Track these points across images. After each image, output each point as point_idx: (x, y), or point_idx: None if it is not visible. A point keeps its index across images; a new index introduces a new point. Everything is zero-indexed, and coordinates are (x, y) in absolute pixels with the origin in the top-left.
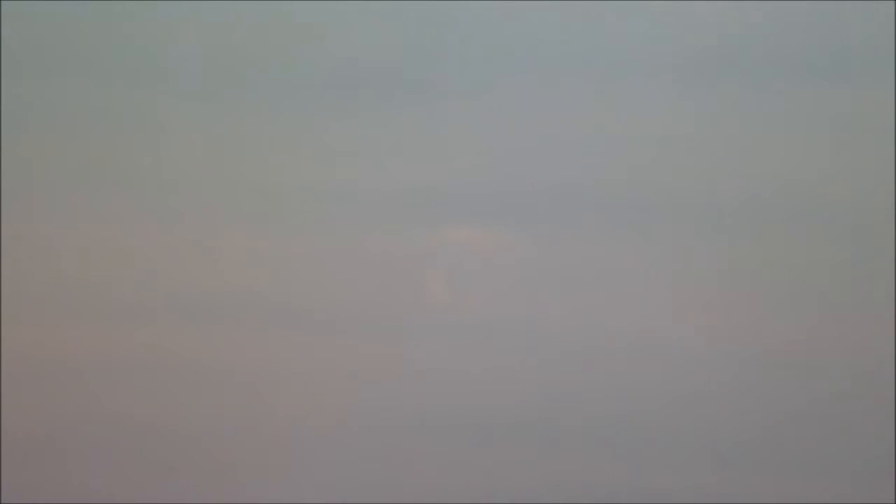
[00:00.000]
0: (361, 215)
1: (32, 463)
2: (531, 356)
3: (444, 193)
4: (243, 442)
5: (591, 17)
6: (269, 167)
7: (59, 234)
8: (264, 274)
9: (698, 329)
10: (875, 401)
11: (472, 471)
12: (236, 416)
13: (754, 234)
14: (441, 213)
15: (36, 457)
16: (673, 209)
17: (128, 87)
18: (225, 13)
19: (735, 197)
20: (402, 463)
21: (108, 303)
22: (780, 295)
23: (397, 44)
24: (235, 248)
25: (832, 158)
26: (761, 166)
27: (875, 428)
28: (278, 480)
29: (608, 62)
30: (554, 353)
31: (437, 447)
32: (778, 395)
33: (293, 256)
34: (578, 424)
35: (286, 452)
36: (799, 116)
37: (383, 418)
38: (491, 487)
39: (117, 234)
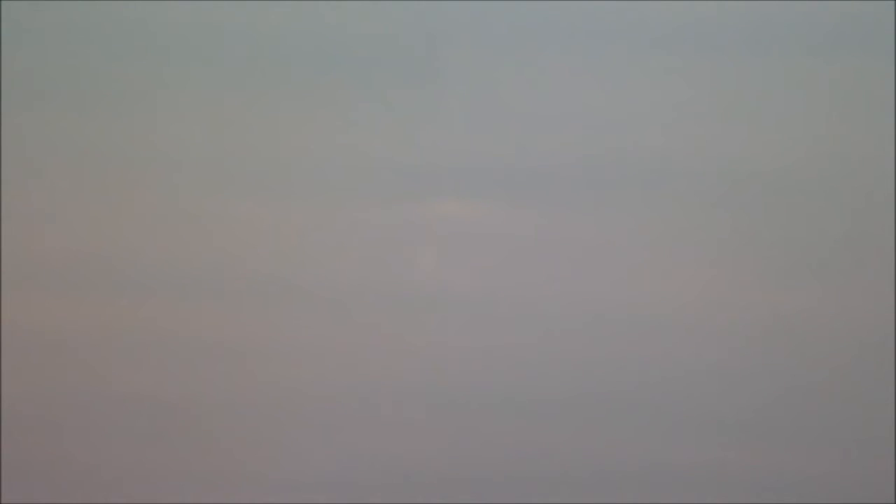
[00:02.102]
0: (354, 189)
1: (30, 439)
2: (524, 332)
3: (437, 168)
4: (237, 415)
5: None
6: (264, 143)
7: (55, 208)
8: (258, 248)
9: (695, 304)
10: (876, 373)
11: (466, 446)
12: (230, 390)
13: (753, 208)
14: (433, 188)
15: (34, 433)
16: (670, 184)
17: (124, 60)
18: None
19: (732, 171)
20: (392, 437)
21: (106, 278)
22: (780, 268)
23: (392, 20)
24: (228, 223)
25: (833, 131)
26: (761, 140)
27: (877, 399)
28: (272, 454)
29: (603, 37)
30: (548, 328)
31: (426, 423)
32: (779, 367)
33: (286, 231)
34: (574, 400)
35: (278, 426)
36: (799, 89)
37: (374, 392)
38: (484, 463)
39: (116, 208)
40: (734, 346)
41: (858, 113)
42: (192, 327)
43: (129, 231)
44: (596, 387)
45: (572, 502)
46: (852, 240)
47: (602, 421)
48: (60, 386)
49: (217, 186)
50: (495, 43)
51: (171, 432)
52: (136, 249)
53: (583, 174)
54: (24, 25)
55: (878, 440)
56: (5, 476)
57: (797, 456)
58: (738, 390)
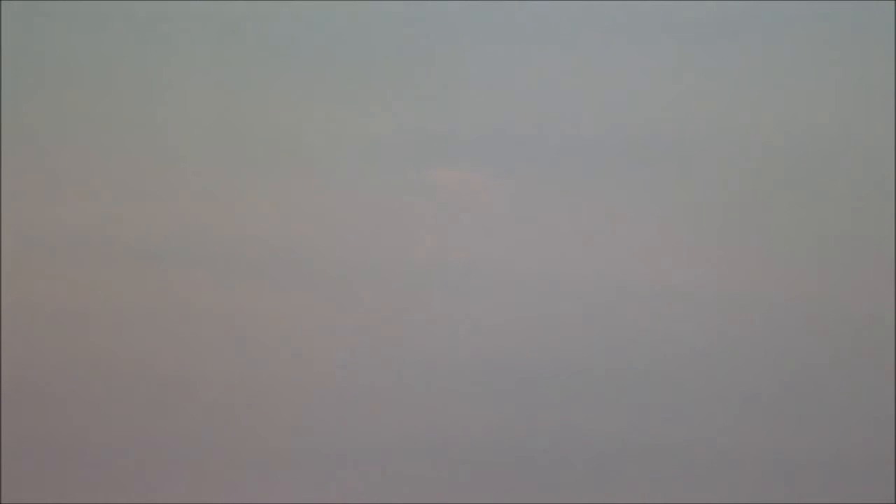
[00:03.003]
0: (356, 158)
1: (33, 409)
2: (524, 300)
3: (438, 137)
4: (241, 384)
5: None
6: (266, 114)
7: (65, 180)
8: (258, 218)
9: (696, 277)
10: (877, 348)
11: (468, 414)
12: (235, 359)
13: (754, 183)
14: (434, 156)
15: (38, 402)
16: (674, 157)
17: (135, 35)
18: None
19: (736, 147)
20: (393, 404)
21: (115, 248)
22: (782, 245)
23: (393, 5)
24: (232, 199)
25: (836, 109)
26: (764, 117)
27: (877, 377)
28: (274, 422)
29: (609, 11)
30: (547, 297)
31: (423, 390)
32: (781, 344)
33: (288, 200)
34: (572, 370)
35: (281, 395)
36: (803, 67)
37: (376, 358)
38: (485, 431)
39: (125, 178)
40: (734, 339)
41: (860, 106)
42: (197, 301)
43: (140, 208)
44: (600, 357)
45: (572, 475)
46: (856, 228)
47: (603, 399)
48: (64, 354)
49: (220, 159)
50: (501, 20)
51: (179, 408)
52: (145, 227)
53: (591, 147)
54: (27, 11)
55: (878, 440)
56: (6, 474)
57: (797, 454)
58: (736, 389)
